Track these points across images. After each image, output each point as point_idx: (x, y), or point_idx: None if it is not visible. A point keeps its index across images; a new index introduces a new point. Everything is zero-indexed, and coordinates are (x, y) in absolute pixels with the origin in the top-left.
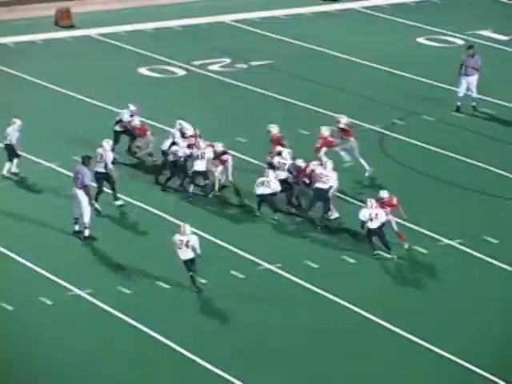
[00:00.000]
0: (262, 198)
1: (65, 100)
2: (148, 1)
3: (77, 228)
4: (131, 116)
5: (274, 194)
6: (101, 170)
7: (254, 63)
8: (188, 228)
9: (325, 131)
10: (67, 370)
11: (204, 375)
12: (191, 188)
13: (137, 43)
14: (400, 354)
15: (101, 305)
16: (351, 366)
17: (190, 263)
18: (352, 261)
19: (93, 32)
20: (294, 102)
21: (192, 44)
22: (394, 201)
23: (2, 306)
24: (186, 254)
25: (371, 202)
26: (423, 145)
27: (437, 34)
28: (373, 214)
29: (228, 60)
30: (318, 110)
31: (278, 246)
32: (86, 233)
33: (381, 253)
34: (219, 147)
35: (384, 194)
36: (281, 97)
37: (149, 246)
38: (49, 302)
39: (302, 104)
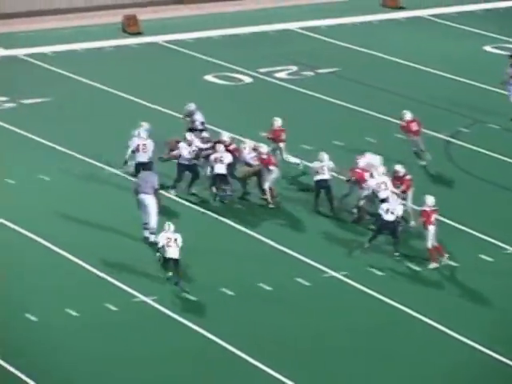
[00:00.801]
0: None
1: (131, 106)
2: (215, 8)
3: (147, 234)
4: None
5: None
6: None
7: (320, 71)
8: (173, 227)
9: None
10: (138, 371)
11: (266, 380)
12: (214, 190)
13: (204, 50)
14: (463, 362)
15: (166, 311)
16: (413, 370)
17: (175, 263)
18: (418, 268)
19: (160, 39)
20: (360, 109)
21: (259, 51)
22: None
23: (67, 311)
24: (175, 253)
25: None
26: (488, 153)
27: (504, 43)
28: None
29: (295, 68)
30: (385, 117)
31: (343, 253)
32: (152, 238)
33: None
34: (263, 148)
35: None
36: (347, 104)
37: (209, 250)
38: (114, 308)
39: (368, 112)
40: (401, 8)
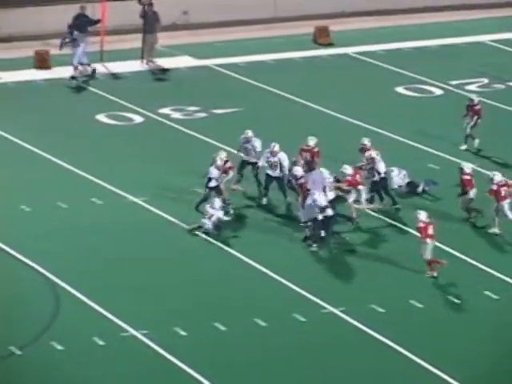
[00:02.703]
0: None
1: (320, 116)
2: (407, 20)
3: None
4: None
5: None
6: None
7: (511, 83)
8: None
9: None
10: None
11: None
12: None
13: (394, 62)
14: None
15: (353, 322)
16: None
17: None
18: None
19: (350, 50)
20: None
21: (450, 63)
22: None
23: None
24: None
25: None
26: None
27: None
28: None
29: (486, 80)
30: None
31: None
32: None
33: None
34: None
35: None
36: None
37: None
38: (303, 319)
39: None
40: None
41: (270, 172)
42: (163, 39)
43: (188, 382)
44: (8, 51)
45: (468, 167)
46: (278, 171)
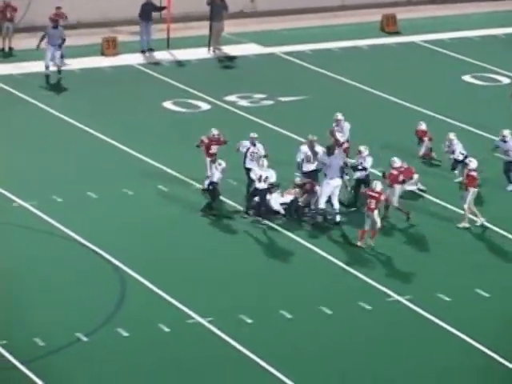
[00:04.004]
0: None
1: (386, 104)
2: (474, 8)
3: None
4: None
5: None
6: None
7: None
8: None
9: None
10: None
11: None
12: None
13: (462, 50)
14: None
15: (421, 311)
16: None
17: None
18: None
19: (418, 38)
20: None
21: None
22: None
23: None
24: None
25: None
26: None
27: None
28: None
29: None
30: None
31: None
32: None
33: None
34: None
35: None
36: None
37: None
38: (368, 307)
39: None
40: None
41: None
42: (230, 27)
43: (253, 369)
44: (76, 38)
45: (474, 162)
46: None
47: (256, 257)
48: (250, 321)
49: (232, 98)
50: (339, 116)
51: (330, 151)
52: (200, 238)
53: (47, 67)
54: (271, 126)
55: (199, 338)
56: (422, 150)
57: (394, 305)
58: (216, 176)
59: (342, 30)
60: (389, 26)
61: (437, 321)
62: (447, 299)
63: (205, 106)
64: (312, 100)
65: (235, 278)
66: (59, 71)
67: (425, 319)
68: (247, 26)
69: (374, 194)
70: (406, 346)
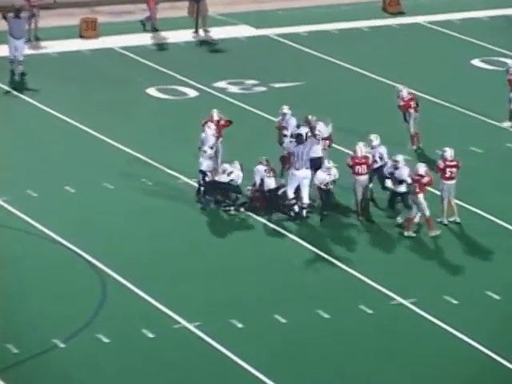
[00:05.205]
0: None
1: (387, 91)
2: None
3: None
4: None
5: None
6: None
7: None
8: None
9: None
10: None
11: None
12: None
13: (471, 32)
14: None
15: (426, 315)
16: None
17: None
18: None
19: (423, 19)
20: None
21: None
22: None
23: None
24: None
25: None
26: None
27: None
28: None
29: None
30: None
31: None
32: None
33: None
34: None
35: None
36: None
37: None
38: (369, 311)
39: None
40: None
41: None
42: (219, 7)
43: (245, 378)
44: (52, 19)
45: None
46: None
47: (249, 256)
48: (241, 325)
49: (222, 84)
50: (285, 109)
51: (298, 139)
52: (187, 235)
53: (12, 61)
54: (264, 115)
55: (186, 345)
56: (413, 126)
57: (398, 308)
58: (204, 164)
59: (340, 10)
60: (392, 5)
61: (444, 326)
62: (455, 302)
63: (192, 93)
64: (308, 86)
65: (225, 279)
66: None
67: (431, 324)
68: (238, 5)
69: (417, 178)
70: (411, 353)
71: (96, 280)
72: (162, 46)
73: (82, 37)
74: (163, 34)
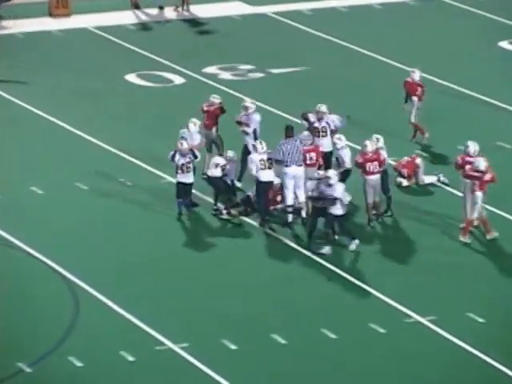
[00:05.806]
0: None
1: (400, 76)
2: None
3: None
4: None
5: None
6: None
7: None
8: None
9: None
10: None
11: None
12: None
13: (500, 11)
14: None
15: (447, 335)
16: None
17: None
18: None
19: None
20: None
21: None
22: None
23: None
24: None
25: None
26: None
27: None
28: None
29: None
30: None
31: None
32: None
33: None
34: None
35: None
36: None
37: None
38: (382, 330)
39: None
40: None
41: None
42: None
43: None
44: None
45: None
46: None
47: (242, 266)
48: (234, 347)
49: (212, 69)
50: (247, 103)
51: (286, 133)
52: (170, 244)
53: None
54: (260, 104)
55: (172, 369)
56: (414, 114)
57: (414, 327)
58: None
59: None
60: None
61: (467, 347)
62: (480, 320)
63: (178, 80)
64: (311, 72)
65: (216, 293)
66: None
67: (452, 345)
68: None
69: (476, 174)
70: (429, 378)
71: (67, 295)
72: (143, 26)
73: (51, 15)
74: (145, 11)
